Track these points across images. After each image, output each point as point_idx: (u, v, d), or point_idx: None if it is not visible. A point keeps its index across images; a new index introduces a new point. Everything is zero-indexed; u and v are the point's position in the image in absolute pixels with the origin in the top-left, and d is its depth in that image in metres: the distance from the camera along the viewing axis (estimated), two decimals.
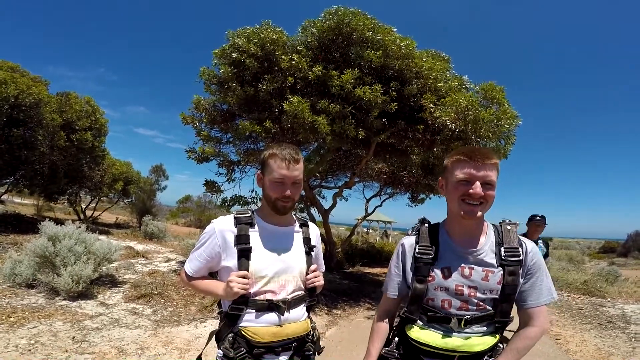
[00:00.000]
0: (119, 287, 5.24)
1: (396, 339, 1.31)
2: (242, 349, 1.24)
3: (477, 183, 1.14)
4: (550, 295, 1.21)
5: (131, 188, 16.44)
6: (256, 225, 1.34)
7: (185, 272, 1.38)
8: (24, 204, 19.12)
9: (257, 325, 1.26)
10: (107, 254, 5.23)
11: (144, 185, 17.51)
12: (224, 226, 1.32)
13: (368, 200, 11.91)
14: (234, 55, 5.68)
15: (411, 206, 10.49)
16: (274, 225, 1.37)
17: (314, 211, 9.17)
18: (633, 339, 4.85)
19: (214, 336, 1.33)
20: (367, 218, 12.90)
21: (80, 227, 5.36)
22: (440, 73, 5.51)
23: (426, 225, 1.31)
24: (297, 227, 1.44)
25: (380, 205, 11.95)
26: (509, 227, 1.25)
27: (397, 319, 1.35)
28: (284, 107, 5.10)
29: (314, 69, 5.34)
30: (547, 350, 4.38)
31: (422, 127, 5.62)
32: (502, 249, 1.20)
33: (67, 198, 14.60)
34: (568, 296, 7.93)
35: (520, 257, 1.19)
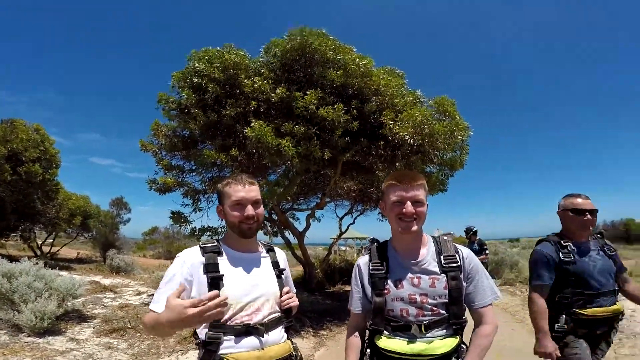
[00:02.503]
0: (88, 322, 4.92)
1: (368, 350, 1.41)
2: None
3: (408, 203, 1.31)
4: (494, 295, 1.36)
5: (91, 222, 15.51)
6: (224, 254, 1.34)
7: (153, 314, 1.17)
8: None
9: (238, 351, 1.22)
10: (70, 289, 4.98)
11: (104, 219, 16.59)
12: (191, 257, 1.29)
13: (341, 219, 12.07)
14: (195, 80, 5.55)
15: (382, 220, 10.64)
16: (241, 252, 1.37)
17: (288, 234, 9.07)
18: (618, 332, 5.12)
19: None
20: (342, 236, 13.04)
21: (37, 263, 5.11)
22: (396, 89, 5.67)
23: (375, 244, 1.47)
24: (264, 252, 1.46)
25: (353, 223, 12.11)
26: (445, 237, 1.42)
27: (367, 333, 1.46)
28: (247, 133, 5.01)
29: (277, 90, 5.30)
30: None
31: (382, 143, 5.72)
32: (442, 257, 1.35)
33: (20, 235, 13.49)
34: None
35: (459, 263, 1.34)
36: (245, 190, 1.35)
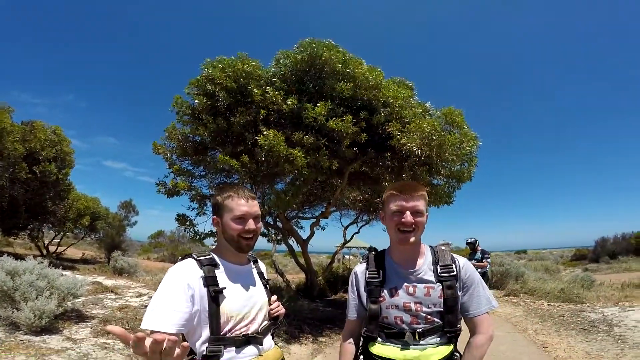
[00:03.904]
0: (86, 322, 4.90)
1: (362, 356, 1.43)
2: None
3: (408, 213, 1.33)
4: (490, 304, 1.37)
5: (98, 224, 15.71)
6: (221, 266, 1.34)
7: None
8: None
9: None
10: (72, 289, 4.98)
11: (112, 221, 16.79)
12: (188, 269, 1.25)
13: (346, 228, 11.99)
14: (208, 87, 5.61)
15: (386, 230, 10.66)
16: (235, 265, 1.39)
17: (292, 242, 9.07)
18: (619, 341, 4.88)
19: None
20: (346, 245, 12.96)
21: (42, 262, 5.11)
22: (405, 100, 5.68)
23: (373, 253, 1.50)
24: (251, 264, 1.50)
25: (358, 232, 12.08)
26: (443, 247, 1.44)
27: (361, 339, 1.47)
28: (258, 141, 5.07)
29: (288, 101, 5.36)
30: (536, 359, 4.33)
31: (389, 154, 5.71)
32: (438, 267, 1.37)
33: (29, 233, 13.70)
34: (548, 304, 7.89)
35: (455, 273, 1.35)
36: (248, 205, 1.36)
